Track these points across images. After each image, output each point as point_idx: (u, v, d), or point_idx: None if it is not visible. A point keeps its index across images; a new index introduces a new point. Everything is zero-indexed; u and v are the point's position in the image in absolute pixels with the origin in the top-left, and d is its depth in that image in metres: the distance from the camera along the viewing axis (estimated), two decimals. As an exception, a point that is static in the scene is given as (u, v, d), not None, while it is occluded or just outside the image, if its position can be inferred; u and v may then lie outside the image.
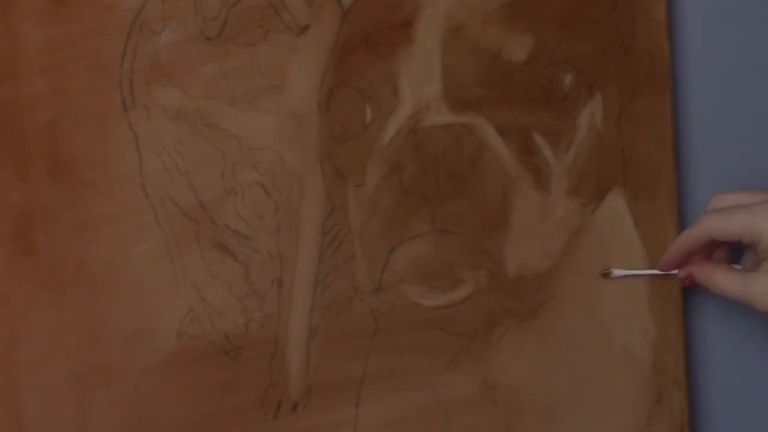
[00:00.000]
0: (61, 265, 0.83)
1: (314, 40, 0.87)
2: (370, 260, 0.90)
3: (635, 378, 0.98)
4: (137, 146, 0.84)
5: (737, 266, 0.94)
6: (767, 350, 1.05)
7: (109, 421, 0.84)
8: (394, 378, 0.91)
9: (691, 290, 1.01)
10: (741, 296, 0.89)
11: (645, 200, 0.97)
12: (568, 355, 0.96)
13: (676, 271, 0.95)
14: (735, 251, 0.95)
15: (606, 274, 0.95)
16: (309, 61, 0.87)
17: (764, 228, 0.87)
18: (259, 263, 0.87)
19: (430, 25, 0.90)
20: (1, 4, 0.80)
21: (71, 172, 0.82)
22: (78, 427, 0.84)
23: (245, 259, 0.87)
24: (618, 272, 0.95)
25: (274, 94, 0.86)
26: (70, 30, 0.82)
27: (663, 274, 0.95)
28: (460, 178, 0.92)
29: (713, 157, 1.01)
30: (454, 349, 0.92)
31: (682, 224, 0.99)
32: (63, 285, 0.83)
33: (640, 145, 0.97)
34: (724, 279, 0.90)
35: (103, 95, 0.83)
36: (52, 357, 0.83)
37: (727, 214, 0.90)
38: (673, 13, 0.98)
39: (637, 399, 0.97)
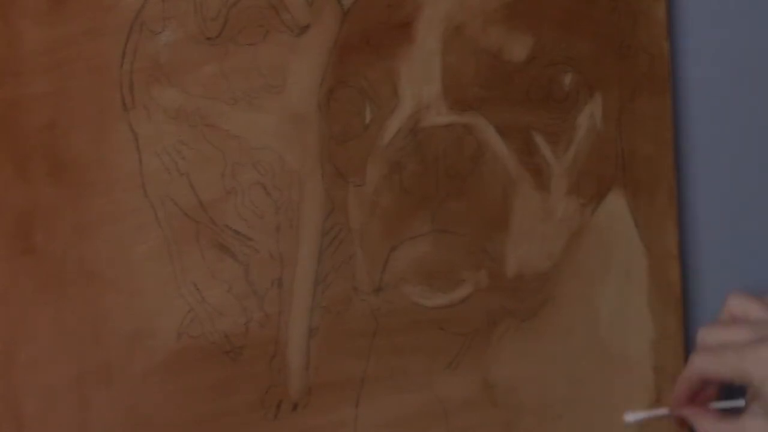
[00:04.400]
0: (61, 265, 0.83)
1: (314, 40, 0.87)
2: (370, 260, 0.90)
3: (635, 378, 0.98)
4: (137, 146, 0.84)
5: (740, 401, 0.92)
6: (767, 350, 1.04)
7: (109, 421, 0.84)
8: (394, 378, 0.91)
9: (691, 290, 1.01)
10: None
11: (645, 200, 0.97)
12: (568, 355, 0.96)
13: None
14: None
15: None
16: (309, 61, 0.87)
17: (754, 373, 0.86)
18: (259, 263, 0.87)
19: (430, 25, 0.90)
20: (1, 4, 0.80)
21: (71, 172, 0.82)
22: (78, 427, 0.84)
23: (245, 259, 0.87)
24: (631, 416, 0.94)
25: (274, 94, 0.86)
26: (70, 30, 0.82)
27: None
28: (460, 178, 0.92)
29: (713, 157, 1.01)
30: (454, 349, 0.92)
31: (682, 224, 0.99)
32: (63, 285, 0.83)
33: (640, 145, 0.97)
34: (712, 427, 0.89)
35: (103, 95, 0.83)
36: (52, 357, 0.83)
37: (718, 356, 0.88)
38: (673, 13, 0.98)
39: (637, 399, 0.97)
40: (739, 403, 0.90)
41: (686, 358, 0.99)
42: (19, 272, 0.82)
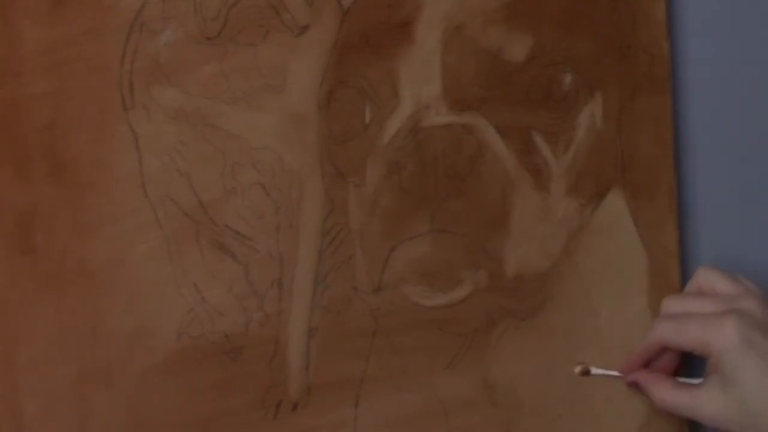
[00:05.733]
0: (61, 265, 0.83)
1: (314, 40, 0.87)
2: (370, 260, 0.90)
3: (635, 378, 0.98)
4: (137, 146, 0.84)
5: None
6: (767, 350, 1.04)
7: (109, 421, 0.84)
8: (394, 378, 0.91)
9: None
10: (687, 413, 0.88)
11: (645, 200, 0.97)
12: (568, 355, 0.96)
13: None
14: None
15: (585, 372, 0.94)
16: (309, 61, 0.87)
17: (714, 344, 0.86)
18: (259, 263, 0.87)
19: (430, 25, 0.90)
20: (1, 4, 0.80)
21: (71, 172, 0.82)
22: (78, 427, 0.84)
23: (245, 259, 0.87)
24: (578, 369, 0.94)
25: (274, 94, 0.86)
26: (70, 30, 0.82)
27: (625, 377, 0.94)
28: (460, 178, 0.92)
29: (713, 156, 1.01)
30: (454, 349, 0.92)
31: (682, 224, 0.99)
32: (63, 285, 0.83)
33: (640, 145, 0.97)
34: (669, 394, 0.89)
35: (103, 95, 0.83)
36: (52, 357, 0.83)
37: (680, 324, 0.88)
38: (673, 13, 0.98)
39: (636, 399, 0.97)
40: (695, 381, 0.90)
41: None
42: (19, 272, 0.82)
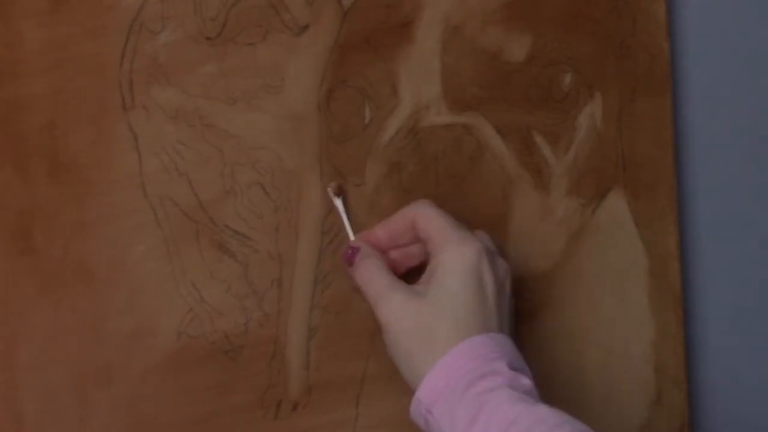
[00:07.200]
0: (61, 265, 0.83)
1: (314, 40, 0.87)
2: (369, 260, 0.90)
3: (635, 378, 0.98)
4: (137, 146, 0.84)
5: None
6: (767, 350, 1.05)
7: (109, 421, 0.84)
8: (394, 378, 0.91)
9: (691, 289, 1.01)
10: (372, 302, 0.84)
11: (645, 200, 0.97)
12: (569, 356, 0.96)
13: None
14: None
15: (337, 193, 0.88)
16: (309, 61, 0.87)
17: (441, 251, 0.83)
18: (258, 263, 0.87)
19: (429, 25, 0.90)
20: (1, 4, 0.80)
21: (71, 172, 0.82)
22: (78, 427, 0.84)
23: (245, 259, 0.87)
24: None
25: (274, 94, 0.86)
26: (70, 30, 0.82)
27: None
28: (460, 178, 0.92)
29: (713, 157, 1.01)
30: (454, 349, 0.92)
31: (682, 224, 0.99)
32: (63, 285, 0.83)
33: (640, 145, 0.97)
34: (374, 275, 0.85)
35: (103, 95, 0.83)
36: (52, 357, 0.83)
37: (441, 215, 0.85)
38: (673, 13, 0.98)
39: (637, 399, 0.97)
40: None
41: (686, 358, 0.99)
42: (19, 272, 0.82)
